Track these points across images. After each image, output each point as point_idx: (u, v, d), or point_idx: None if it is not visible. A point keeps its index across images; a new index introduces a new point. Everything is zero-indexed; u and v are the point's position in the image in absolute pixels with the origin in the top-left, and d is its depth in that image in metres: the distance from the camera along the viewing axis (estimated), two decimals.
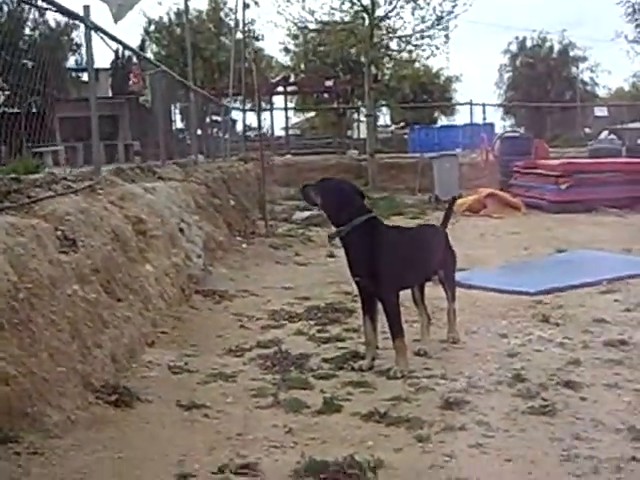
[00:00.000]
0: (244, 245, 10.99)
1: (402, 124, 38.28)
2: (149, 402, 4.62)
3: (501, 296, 7.48)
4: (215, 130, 20.09)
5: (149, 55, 29.58)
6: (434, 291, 6.38)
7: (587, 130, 36.79)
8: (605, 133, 24.89)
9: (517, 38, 47.69)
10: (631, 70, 52.78)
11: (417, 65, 35.11)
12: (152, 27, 37.63)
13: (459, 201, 15.63)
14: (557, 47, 47.29)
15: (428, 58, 26.68)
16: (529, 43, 47.71)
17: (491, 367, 5.28)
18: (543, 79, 45.47)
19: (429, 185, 18.78)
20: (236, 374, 5.22)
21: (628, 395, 4.70)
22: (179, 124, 20.98)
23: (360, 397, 4.77)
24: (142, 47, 34.05)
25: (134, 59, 12.75)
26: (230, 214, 11.60)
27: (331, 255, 10.42)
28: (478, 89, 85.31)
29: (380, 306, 5.39)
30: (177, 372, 5.25)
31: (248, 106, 23.56)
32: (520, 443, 4.01)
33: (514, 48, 48.01)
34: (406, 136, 32.21)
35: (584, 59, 46.87)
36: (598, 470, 3.65)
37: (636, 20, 42.21)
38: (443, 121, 42.78)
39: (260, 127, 17.01)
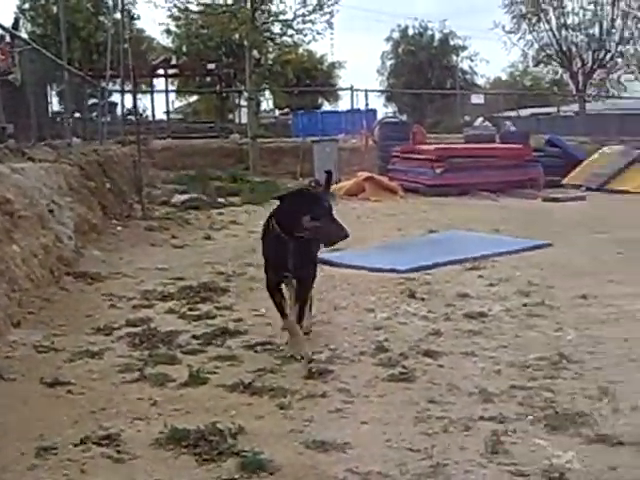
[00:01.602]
0: (119, 228, 10.89)
1: (286, 110, 38.46)
2: (12, 380, 4.59)
3: (372, 274, 7.69)
4: (95, 114, 19.74)
5: (23, 35, 28.68)
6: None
7: (467, 118, 37.77)
8: (480, 120, 25.66)
9: (399, 26, 48.49)
10: (508, 60, 54.27)
11: (301, 50, 35.30)
12: (27, 5, 36.48)
13: (339, 185, 15.91)
14: (438, 36, 48.29)
15: (310, 43, 26.93)
16: (411, 31, 48.56)
17: (356, 339, 5.46)
18: (424, 67, 46.34)
19: (311, 170, 18.98)
20: (103, 352, 5.22)
21: (483, 362, 4.95)
22: (56, 106, 20.48)
23: (227, 370, 4.84)
24: (16, 26, 32.96)
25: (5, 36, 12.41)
26: (106, 197, 11.47)
27: (208, 237, 10.46)
28: (362, 75, 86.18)
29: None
30: (42, 351, 5.21)
31: (127, 88, 23.18)
32: (378, 407, 4.17)
33: (396, 36, 48.78)
34: (290, 121, 32.36)
35: (464, 48, 48.04)
36: (448, 429, 3.85)
37: (512, 12, 43.60)
38: (327, 107, 43.16)
39: (136, 109, 16.81)
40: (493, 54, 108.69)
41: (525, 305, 6.40)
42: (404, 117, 36.47)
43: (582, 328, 5.75)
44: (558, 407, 4.12)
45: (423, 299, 6.63)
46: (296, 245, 5.12)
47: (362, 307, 6.39)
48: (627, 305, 6.46)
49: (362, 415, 4.05)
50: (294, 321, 5.18)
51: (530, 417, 4.00)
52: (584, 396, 4.32)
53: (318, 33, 24.91)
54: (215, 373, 4.76)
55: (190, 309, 6.44)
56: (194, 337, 5.56)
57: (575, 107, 42.78)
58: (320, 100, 45.14)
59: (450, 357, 5.05)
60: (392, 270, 7.79)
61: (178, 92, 41.15)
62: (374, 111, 30.65)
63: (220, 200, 14.89)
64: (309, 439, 3.74)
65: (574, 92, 44.00)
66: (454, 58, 48.17)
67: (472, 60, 48.14)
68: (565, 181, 17.81)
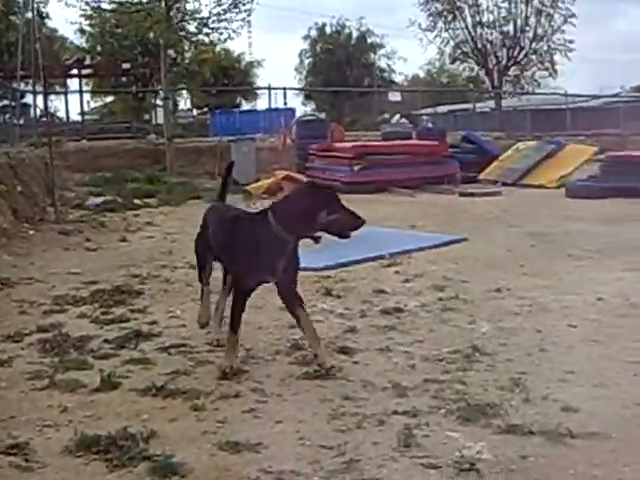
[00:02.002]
0: (31, 232, 10.64)
1: (205, 109, 38.23)
2: None
3: None
4: (8, 116, 19.28)
5: None
6: None
7: (386, 115, 38.09)
8: (397, 117, 25.90)
9: (317, 24, 48.66)
10: (425, 58, 55.13)
11: (218, 49, 35.12)
12: None
13: (257, 184, 15.86)
14: (355, 34, 48.61)
15: (226, 41, 26.77)
16: (329, 29, 48.77)
17: (271, 338, 5.45)
18: (342, 65, 46.63)
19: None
20: (12, 359, 5.08)
21: (398, 357, 4.98)
22: None
23: (140, 373, 4.76)
24: None
25: None
26: (17, 200, 11.20)
27: (123, 240, 10.31)
28: (280, 74, 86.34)
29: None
30: None
31: (40, 89, 22.70)
32: (292, 406, 4.16)
33: (314, 34, 48.94)
34: (208, 121, 32.16)
35: (381, 46, 48.49)
36: (361, 425, 3.86)
37: (428, 9, 44.14)
38: (245, 106, 43.07)
39: (47, 110, 16.48)
40: (410, 52, 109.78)
41: (440, 299, 6.47)
42: (323, 115, 36.58)
43: (495, 320, 5.84)
44: (470, 399, 4.17)
45: (339, 296, 6.64)
46: (294, 246, 4.80)
47: (278, 306, 6.31)
48: (540, 297, 6.59)
49: (276, 414, 4.03)
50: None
51: (443, 410, 4.04)
52: (496, 387, 4.39)
53: (234, 32, 24.80)
54: (127, 377, 4.68)
55: (103, 313, 6.32)
56: (106, 341, 5.46)
57: (491, 103, 43.52)
58: (239, 99, 45.00)
59: (365, 353, 5.07)
60: (308, 268, 7.76)
61: (93, 93, 40.51)
62: (293, 110, 30.71)
63: (136, 202, 14.69)
64: (222, 440, 3.71)
65: (490, 89, 44.78)
66: (372, 56, 48.58)
67: (390, 58, 48.73)
68: (481, 176, 18.09)
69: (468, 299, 6.50)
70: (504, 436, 3.72)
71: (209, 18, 24.47)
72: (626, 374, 4.64)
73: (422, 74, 55.67)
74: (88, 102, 41.22)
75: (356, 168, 15.90)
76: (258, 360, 4.95)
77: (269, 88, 29.05)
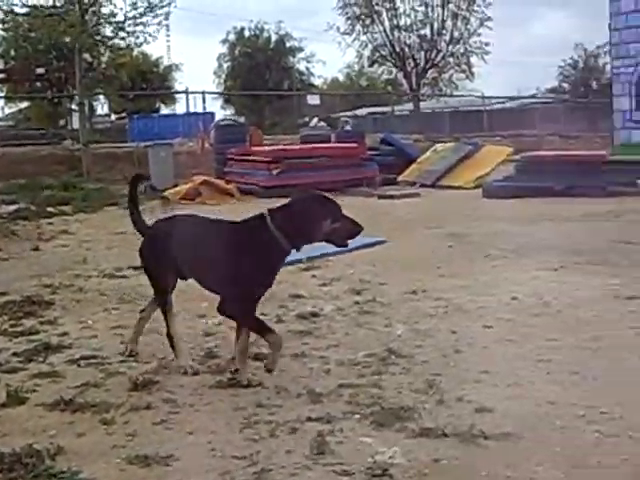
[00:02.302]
0: None
1: (123, 114, 37.73)
2: None
3: None
4: None
5: None
6: None
7: (306, 119, 38.13)
8: (315, 120, 25.94)
9: (235, 28, 48.43)
10: (344, 61, 55.43)
11: (136, 53, 34.69)
12: None
13: (175, 189, 15.68)
14: (274, 37, 48.54)
15: (142, 45, 26.46)
16: (247, 33, 48.59)
17: (185, 347, 5.32)
18: (261, 69, 46.49)
19: (146, 175, 18.62)
20: None
21: (313, 362, 4.94)
22: None
23: (48, 387, 4.62)
24: None
25: None
26: None
27: (36, 248, 10.05)
28: (199, 78, 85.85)
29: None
30: None
31: None
32: (204, 416, 4.08)
33: (232, 38, 48.69)
34: (127, 126, 31.73)
35: (300, 49, 48.51)
36: (274, 433, 3.81)
37: (347, 13, 44.41)
38: (165, 110, 42.64)
39: None
40: (330, 55, 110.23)
41: (357, 303, 6.46)
42: (242, 119, 36.44)
43: (411, 322, 5.85)
44: (384, 403, 4.15)
45: None
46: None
47: (194, 313, 6.27)
48: (456, 298, 6.63)
49: (187, 425, 3.95)
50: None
51: (357, 415, 4.01)
52: (411, 390, 4.38)
53: (150, 35, 24.54)
54: (35, 391, 4.53)
55: (12, 325, 6.11)
56: (15, 354, 5.28)
57: (410, 106, 44.00)
58: (158, 104, 44.52)
59: (281, 360, 4.98)
60: None
61: (7, 98, 39.60)
62: (212, 114, 30.51)
63: (50, 209, 14.34)
64: (131, 454, 3.61)
65: (408, 91, 45.26)
66: (291, 59, 48.58)
67: (309, 61, 48.75)
68: (400, 178, 18.22)
69: (385, 302, 6.51)
70: (418, 439, 3.71)
71: (125, 22, 24.15)
72: (539, 373, 4.69)
73: (341, 77, 55.98)
74: (2, 108, 40.38)
75: (274, 172, 15.85)
76: (171, 370, 4.85)
77: (186, 92, 28.83)
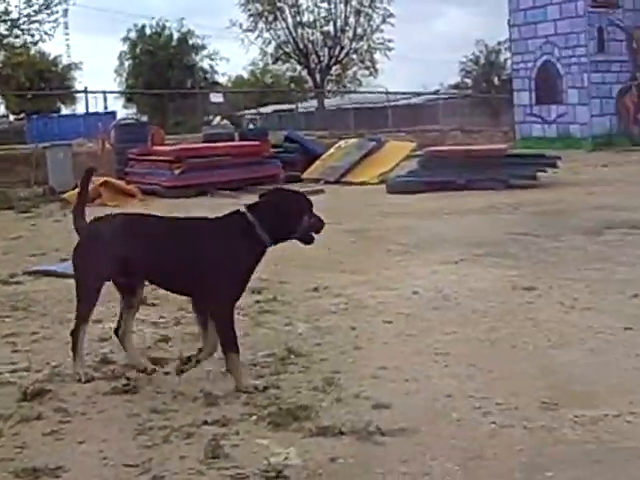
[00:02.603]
0: None
1: (22, 115, 36.83)
2: None
3: None
4: None
5: None
6: None
7: (211, 117, 37.85)
8: (218, 119, 25.77)
9: (136, 25, 47.67)
10: (248, 58, 55.20)
11: (33, 52, 33.86)
12: None
13: (74, 191, 15.30)
14: (176, 35, 47.97)
15: (37, 44, 25.85)
16: (148, 31, 47.89)
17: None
18: (164, 67, 45.88)
19: (45, 177, 18.19)
20: None
21: (211, 365, 4.81)
22: None
23: None
24: None
25: None
26: None
27: None
28: (100, 77, 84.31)
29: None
30: None
31: None
32: (97, 424, 3.97)
33: (133, 35, 47.92)
34: (25, 127, 30.94)
35: (203, 47, 48.08)
36: (169, 439, 3.73)
37: (249, 10, 44.28)
38: (65, 110, 41.76)
39: None
40: (233, 53, 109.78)
41: (257, 302, 6.39)
42: (144, 118, 35.92)
43: (312, 320, 5.83)
44: (282, 403, 4.11)
45: (154, 304, 6.43)
46: None
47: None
48: (357, 294, 6.65)
49: (79, 434, 3.83)
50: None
51: (254, 416, 3.96)
52: (309, 389, 4.35)
53: (46, 33, 23.99)
54: None
55: None
56: None
57: (315, 103, 44.14)
58: (58, 104, 43.58)
59: (177, 363, 4.91)
60: None
61: None
62: (113, 113, 29.96)
63: None
64: (19, 467, 3.49)
65: (312, 88, 45.43)
66: (194, 57, 48.10)
67: (212, 59, 48.34)
68: (304, 175, 18.22)
69: (286, 300, 6.47)
70: (315, 439, 3.68)
71: (19, 19, 23.55)
72: (437, 366, 4.72)
73: (246, 75, 55.74)
74: None
75: (177, 172, 15.66)
76: (64, 377, 4.70)
77: (86, 92, 28.27)
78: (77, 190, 14.51)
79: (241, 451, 3.56)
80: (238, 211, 4.56)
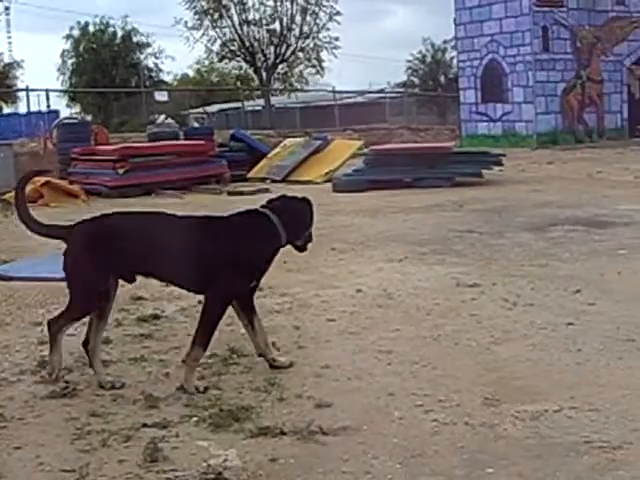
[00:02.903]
0: None
1: None
2: None
3: (42, 285, 7.24)
4: None
5: None
6: None
7: (156, 116, 37.51)
8: (162, 117, 25.56)
9: (79, 23, 46.94)
10: (194, 57, 54.69)
11: None
12: None
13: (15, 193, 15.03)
14: (120, 33, 47.37)
15: None
16: (92, 28, 47.18)
17: (18, 357, 5.08)
18: (108, 65, 45.27)
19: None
20: None
21: (152, 366, 4.80)
22: None
23: None
24: None
25: None
26: None
27: None
28: (43, 75, 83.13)
29: None
30: None
31: None
32: (34, 429, 3.89)
33: (77, 33, 47.18)
34: None
35: (148, 45, 47.57)
36: (107, 442, 3.66)
37: (194, 7, 43.94)
38: (7, 109, 41.07)
39: None
40: (179, 51, 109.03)
41: (200, 303, 6.28)
42: (89, 117, 35.47)
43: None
44: (224, 404, 4.07)
45: None
46: None
47: (28, 321, 6.00)
48: (301, 293, 6.63)
49: (15, 440, 3.74)
50: None
51: (194, 418, 3.91)
52: (251, 389, 4.32)
53: None
54: None
55: None
56: None
57: (262, 101, 44.01)
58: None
59: (118, 365, 4.85)
60: (60, 279, 7.40)
61: None
62: (56, 112, 29.51)
63: None
64: None
65: (259, 87, 45.28)
66: (138, 55, 47.57)
67: (157, 57, 47.86)
68: (250, 175, 18.16)
69: None
70: (255, 440, 3.64)
71: None
72: (380, 364, 4.72)
73: (192, 73, 55.31)
74: None
75: (121, 171, 15.48)
76: (1, 382, 4.60)
77: (27, 90, 27.78)
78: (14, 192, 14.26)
79: (180, 453, 3.51)
80: (257, 210, 4.66)
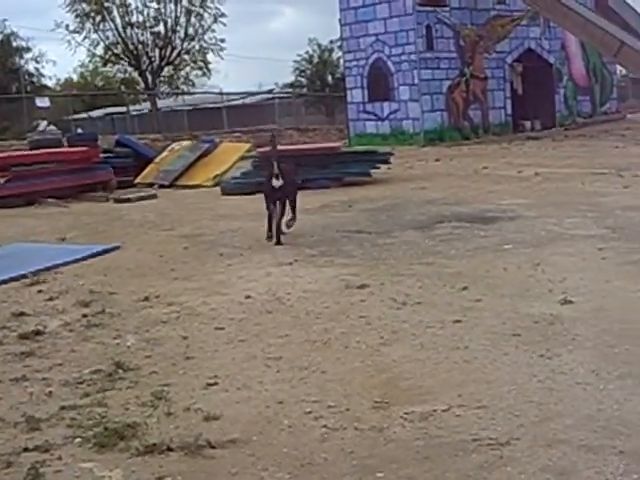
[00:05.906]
0: None
1: None
2: None
3: None
4: None
5: None
6: None
7: (40, 122, 36.48)
8: (44, 124, 24.89)
9: None
10: (78, 60, 53.44)
11: None
12: None
13: None
14: None
15: None
16: None
17: None
18: None
19: None
20: None
21: (34, 386, 4.62)
22: None
23: None
24: None
25: None
26: None
27: None
28: None
29: None
30: None
31: None
32: None
33: None
34: None
35: (28, 49, 46.25)
36: None
37: (75, 10, 42.94)
38: None
39: None
40: (61, 55, 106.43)
41: (84, 316, 6.13)
42: None
43: (142, 332, 5.66)
44: (109, 422, 3.95)
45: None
46: None
47: None
48: (189, 301, 6.52)
49: None
50: None
51: (78, 439, 3.78)
52: (138, 405, 4.21)
53: None
54: None
55: None
56: None
57: (148, 105, 43.39)
58: None
59: None
60: None
61: None
62: None
63: None
64: None
65: (144, 90, 44.62)
66: (18, 60, 46.18)
67: (38, 62, 46.57)
68: (138, 180, 17.81)
69: (115, 312, 6.24)
70: (142, 458, 3.55)
71: None
72: (269, 372, 4.68)
73: (76, 77, 54.06)
74: None
75: (1, 181, 14.97)
76: None
77: None
78: None
79: (63, 477, 3.39)
80: None
